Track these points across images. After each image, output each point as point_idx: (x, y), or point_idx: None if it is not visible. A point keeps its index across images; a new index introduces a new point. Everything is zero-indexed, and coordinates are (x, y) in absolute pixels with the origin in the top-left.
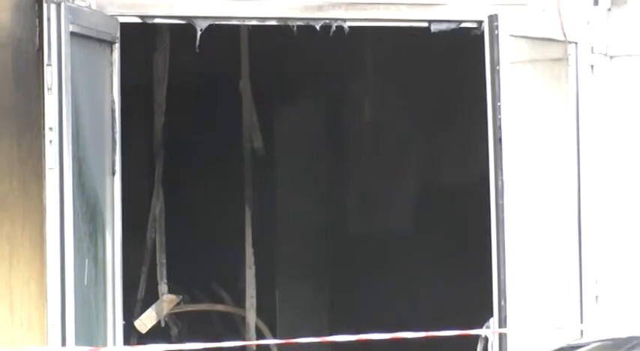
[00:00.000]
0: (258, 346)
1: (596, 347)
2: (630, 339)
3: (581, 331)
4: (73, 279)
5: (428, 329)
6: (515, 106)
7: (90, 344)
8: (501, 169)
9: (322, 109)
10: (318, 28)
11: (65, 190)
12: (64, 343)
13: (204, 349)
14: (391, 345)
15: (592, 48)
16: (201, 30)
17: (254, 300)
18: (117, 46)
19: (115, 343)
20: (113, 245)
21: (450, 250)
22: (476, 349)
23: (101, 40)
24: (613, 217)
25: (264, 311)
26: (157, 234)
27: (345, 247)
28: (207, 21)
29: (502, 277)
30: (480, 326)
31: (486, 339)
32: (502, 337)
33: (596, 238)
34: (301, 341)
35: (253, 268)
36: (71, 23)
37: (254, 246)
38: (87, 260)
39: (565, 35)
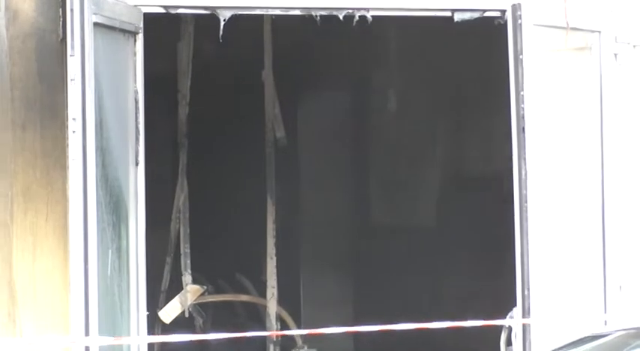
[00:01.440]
0: (282, 335)
1: (619, 336)
2: None
3: (605, 320)
4: (97, 270)
5: (452, 320)
6: (538, 95)
7: (113, 335)
8: (524, 159)
9: (345, 99)
10: (341, 17)
11: (88, 181)
12: (87, 334)
13: (227, 339)
14: (415, 335)
15: (615, 37)
16: (224, 20)
17: (275, 290)
18: (140, 36)
19: (138, 334)
20: (137, 236)
21: (474, 241)
22: (500, 338)
23: (124, 31)
24: (637, 206)
25: (289, 301)
26: (180, 225)
27: (369, 237)
28: (231, 11)
29: (525, 266)
30: (504, 316)
31: (510, 328)
32: (526, 327)
33: (620, 228)
34: (325, 332)
35: (275, 258)
36: (94, 14)
37: (278, 236)
38: (110, 251)
39: (567, 23)
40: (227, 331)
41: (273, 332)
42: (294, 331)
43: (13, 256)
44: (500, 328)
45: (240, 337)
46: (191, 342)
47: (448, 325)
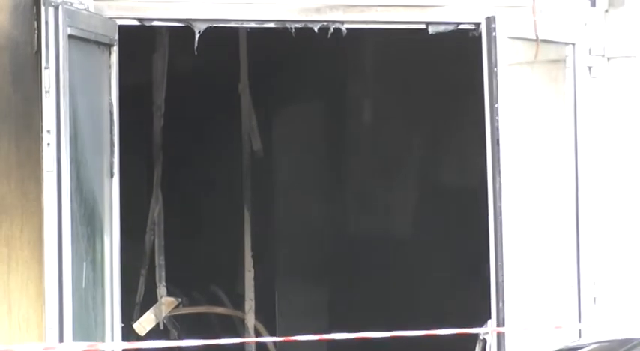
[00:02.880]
0: (256, 346)
1: (593, 349)
2: (628, 341)
3: (580, 333)
4: (71, 281)
5: (427, 330)
6: (512, 107)
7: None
8: (499, 171)
9: (321, 111)
10: (316, 30)
11: (63, 193)
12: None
13: (203, 346)
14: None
15: (589, 49)
16: (199, 32)
17: (253, 302)
18: (115, 48)
19: None
20: (111, 248)
21: (450, 252)
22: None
23: (99, 43)
24: (611, 219)
25: (264, 313)
26: (155, 236)
27: (345, 248)
28: (206, 23)
29: (500, 278)
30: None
31: (484, 341)
32: (500, 339)
33: (594, 240)
34: (300, 339)
35: (252, 270)
36: (69, 26)
37: (253, 248)
38: (85, 263)
39: (537, 35)
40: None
41: (246, 339)
42: (268, 339)
43: None
44: (474, 341)
45: (215, 345)
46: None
47: (423, 333)
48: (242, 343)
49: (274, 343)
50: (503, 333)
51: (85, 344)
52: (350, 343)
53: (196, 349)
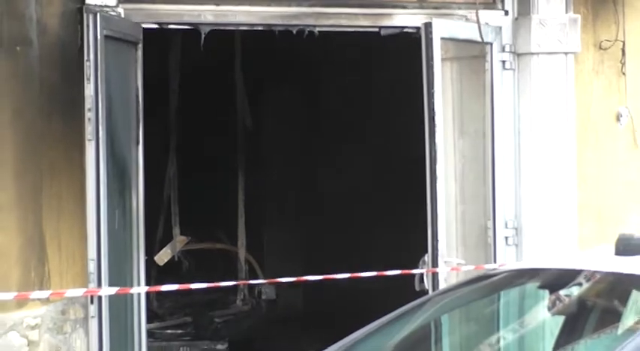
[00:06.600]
0: (247, 271)
1: (506, 276)
2: (533, 270)
3: (495, 265)
4: (107, 225)
5: (381, 262)
6: (444, 92)
7: (119, 275)
8: (434, 141)
9: (299, 95)
10: (294, 32)
11: (100, 157)
12: (99, 274)
13: (207, 278)
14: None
15: (503, 47)
16: (204, 33)
17: (244, 240)
18: (140, 46)
19: (139, 273)
20: (137, 199)
21: (399, 205)
22: (414, 277)
23: (128, 42)
24: (521, 174)
25: (255, 249)
26: (171, 190)
27: (316, 201)
28: (209, 26)
29: (435, 222)
30: (418, 260)
31: (421, 275)
32: (435, 275)
33: (507, 191)
34: (280, 281)
35: (244, 217)
36: (105, 29)
37: (246, 201)
38: (117, 211)
39: (482, 38)
40: (206, 272)
41: (241, 282)
42: (258, 281)
43: (42, 216)
44: (415, 268)
45: (217, 274)
46: (177, 273)
47: (373, 274)
48: (236, 268)
49: (261, 267)
50: (437, 268)
51: (115, 289)
52: (321, 259)
53: (202, 280)
